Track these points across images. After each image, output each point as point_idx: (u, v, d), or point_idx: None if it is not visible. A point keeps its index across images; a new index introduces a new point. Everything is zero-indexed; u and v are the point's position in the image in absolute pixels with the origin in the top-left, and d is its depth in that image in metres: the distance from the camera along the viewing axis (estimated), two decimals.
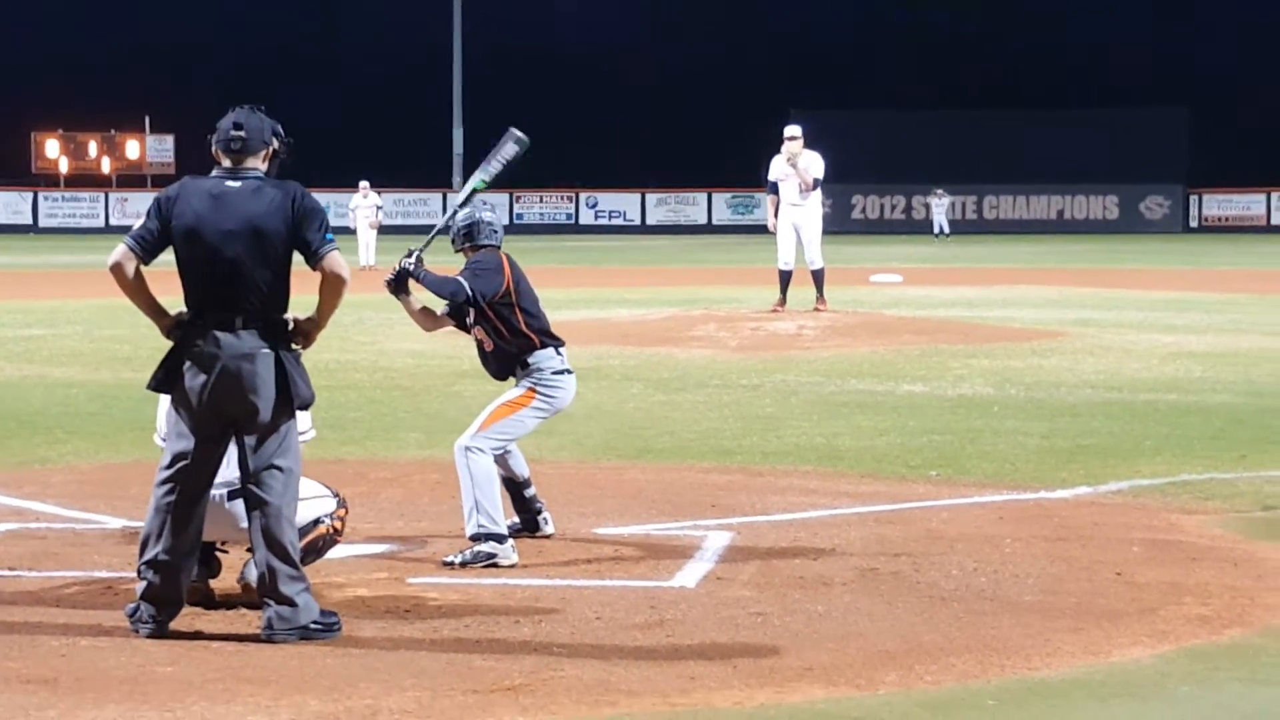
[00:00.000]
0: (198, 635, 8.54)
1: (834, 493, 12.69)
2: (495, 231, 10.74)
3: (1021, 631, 8.66)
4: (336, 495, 9.42)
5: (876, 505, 12.17)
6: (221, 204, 8.49)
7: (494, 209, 10.93)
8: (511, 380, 10.69)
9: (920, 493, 12.72)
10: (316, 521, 9.15)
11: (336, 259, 8.46)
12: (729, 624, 8.80)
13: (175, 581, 8.55)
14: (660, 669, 8.01)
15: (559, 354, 10.66)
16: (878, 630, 8.69)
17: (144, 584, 8.54)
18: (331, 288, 8.52)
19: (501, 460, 10.65)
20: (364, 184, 49.65)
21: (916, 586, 9.64)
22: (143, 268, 8.57)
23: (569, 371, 10.70)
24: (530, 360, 10.57)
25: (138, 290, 8.59)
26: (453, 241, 10.77)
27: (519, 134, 10.96)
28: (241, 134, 8.60)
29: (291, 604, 8.44)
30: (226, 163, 8.63)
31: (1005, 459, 14.23)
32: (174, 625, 8.58)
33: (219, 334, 8.44)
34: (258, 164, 8.64)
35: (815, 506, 12.10)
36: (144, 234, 8.55)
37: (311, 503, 9.08)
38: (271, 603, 8.46)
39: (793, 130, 26.99)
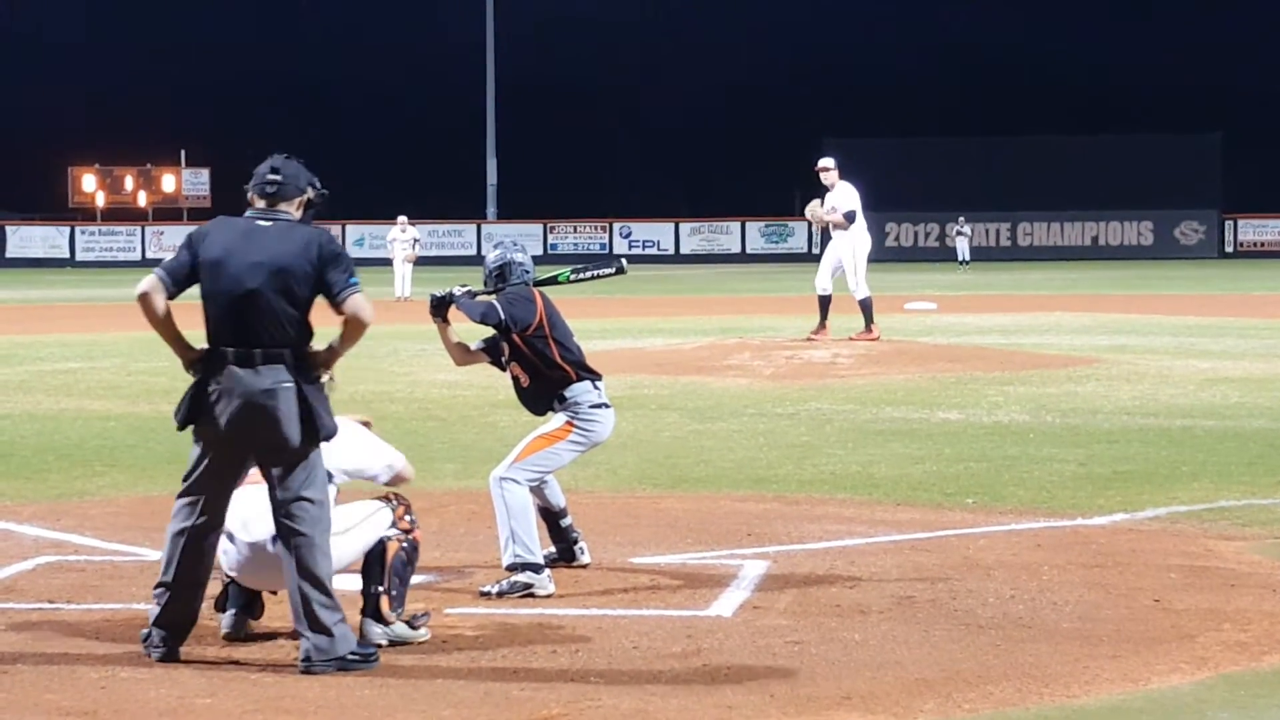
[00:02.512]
0: (235, 664, 8.56)
1: (870, 521, 12.67)
2: (527, 271, 10.77)
3: (1060, 659, 8.65)
4: (387, 500, 9.33)
5: (913, 533, 12.15)
6: (251, 239, 8.59)
7: (525, 250, 10.98)
8: (549, 414, 10.72)
9: (957, 520, 12.70)
10: (382, 543, 9.10)
11: (358, 301, 8.53)
12: (766, 653, 8.80)
13: (186, 605, 8.63)
14: (697, 698, 8.01)
15: (596, 388, 10.67)
16: (915, 658, 8.68)
17: (157, 608, 8.60)
18: (352, 329, 8.60)
19: (538, 490, 10.67)
20: (402, 218, 49.99)
21: (954, 614, 9.62)
22: (170, 302, 8.60)
23: (607, 405, 10.72)
24: (567, 394, 10.58)
25: (164, 322, 8.62)
26: (485, 283, 10.82)
27: (624, 261, 11.43)
28: (278, 178, 8.73)
29: (329, 634, 8.46)
30: (260, 204, 8.73)
31: (1042, 486, 14.20)
32: (211, 657, 8.62)
33: (238, 369, 8.47)
34: (291, 210, 8.76)
35: (851, 535, 12.09)
36: (174, 266, 8.63)
37: (366, 525, 9.04)
38: (309, 634, 8.48)
39: (824, 162, 26.75)
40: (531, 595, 10.10)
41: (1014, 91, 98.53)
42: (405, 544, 9.13)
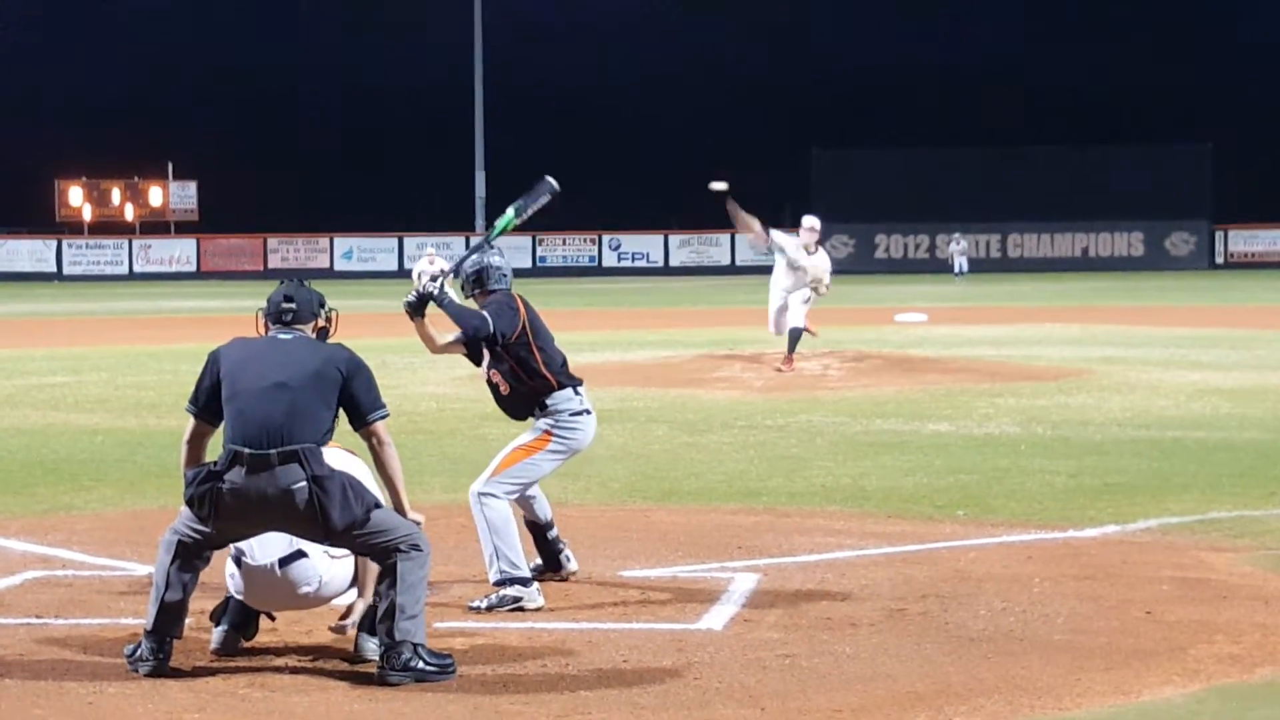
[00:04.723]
0: (223, 680, 8.52)
1: (861, 533, 12.65)
2: (505, 275, 10.70)
3: (1051, 671, 8.62)
4: None
5: (903, 546, 12.13)
6: (275, 346, 8.80)
7: (502, 253, 10.89)
8: (531, 420, 10.65)
9: (947, 533, 12.68)
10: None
11: (387, 427, 8.80)
12: (756, 666, 8.77)
13: (178, 613, 8.63)
14: (688, 712, 7.98)
15: (577, 394, 10.60)
16: (906, 671, 8.66)
17: (154, 604, 8.60)
18: (389, 451, 8.81)
19: (525, 503, 10.62)
20: (430, 250, 49.62)
21: (945, 627, 9.60)
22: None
23: (588, 412, 10.64)
24: (549, 402, 10.51)
25: (193, 455, 8.79)
26: (462, 288, 10.75)
27: (552, 181, 10.99)
28: (292, 305, 8.96)
29: (409, 646, 8.47)
30: (276, 328, 8.93)
31: (1033, 498, 14.18)
32: (200, 672, 8.58)
33: (252, 473, 8.48)
34: (306, 332, 8.97)
35: (842, 547, 12.06)
36: (195, 393, 8.84)
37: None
38: (387, 643, 8.50)
39: (810, 221, 26.30)
40: (521, 609, 10.06)
41: (1005, 103, 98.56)
42: None
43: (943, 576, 10.97)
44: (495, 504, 10.32)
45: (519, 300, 10.58)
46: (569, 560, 10.92)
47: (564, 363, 10.65)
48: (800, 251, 26.01)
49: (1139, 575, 10.96)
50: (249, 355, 8.75)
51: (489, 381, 10.65)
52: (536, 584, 10.25)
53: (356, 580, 9.07)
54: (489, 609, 10.06)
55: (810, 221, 26.37)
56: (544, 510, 10.80)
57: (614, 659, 8.93)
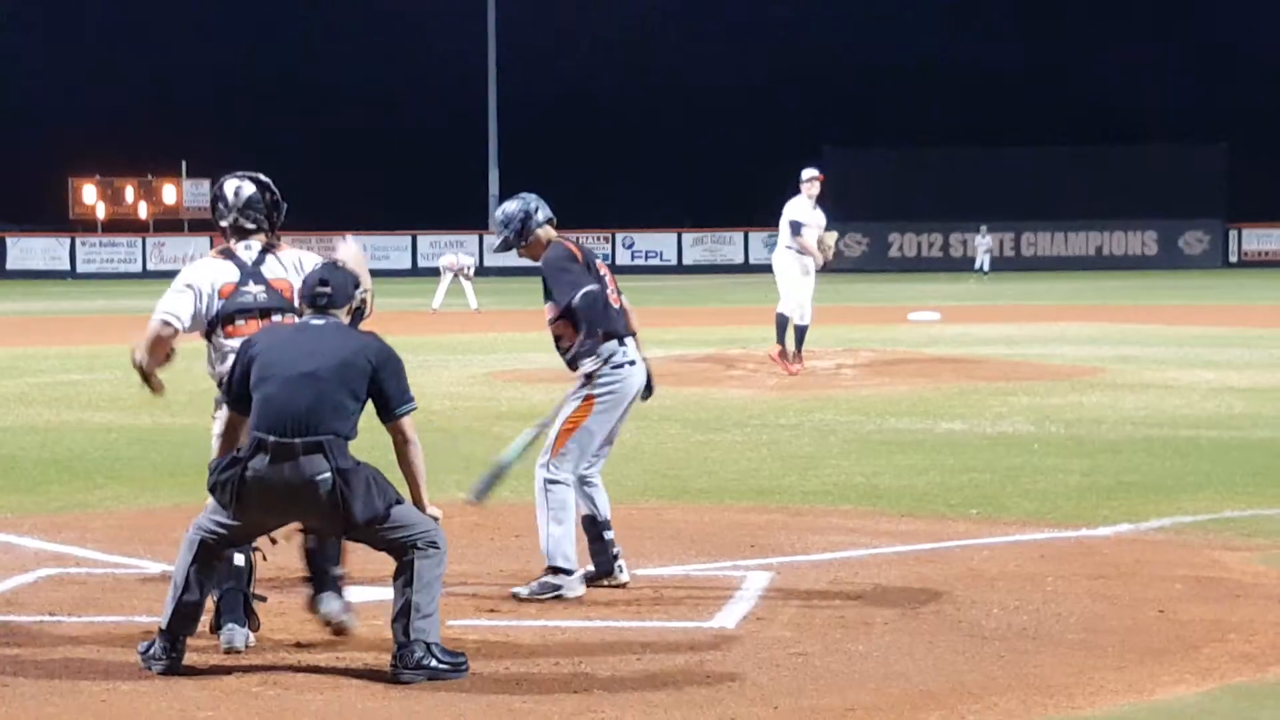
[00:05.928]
0: (237, 678, 8.53)
1: (874, 532, 12.64)
2: (549, 215, 10.58)
3: (1064, 670, 8.61)
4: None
5: (917, 544, 12.12)
6: (306, 333, 8.73)
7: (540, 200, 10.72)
8: (580, 368, 10.50)
9: (961, 531, 12.67)
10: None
11: (412, 423, 8.79)
12: (769, 665, 8.76)
13: (194, 613, 8.65)
14: (700, 710, 7.97)
15: (622, 344, 10.52)
16: (919, 670, 8.65)
17: (170, 604, 8.59)
18: (413, 448, 8.83)
19: (583, 494, 10.51)
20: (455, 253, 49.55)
21: (958, 625, 9.59)
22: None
23: (631, 363, 10.54)
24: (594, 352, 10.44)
25: (228, 447, 8.77)
26: (506, 240, 10.66)
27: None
28: (327, 290, 8.84)
29: (423, 645, 8.47)
30: (310, 312, 8.88)
31: (1046, 497, 14.17)
32: (213, 670, 8.59)
33: (276, 462, 8.45)
34: (341, 316, 8.90)
35: (855, 546, 12.06)
36: (226, 385, 8.87)
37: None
38: (403, 641, 8.49)
39: (811, 172, 25.49)
40: (560, 598, 10.12)
41: (1018, 101, 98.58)
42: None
43: (956, 575, 10.96)
44: (558, 489, 10.31)
45: (575, 251, 10.49)
46: (622, 570, 10.68)
47: (618, 314, 10.53)
48: (811, 212, 25.38)
49: (1152, 574, 10.95)
50: (279, 341, 8.70)
51: (553, 332, 10.52)
52: (580, 573, 10.25)
53: None
54: (530, 596, 10.11)
55: (810, 172, 25.22)
56: (603, 504, 10.64)
57: (627, 657, 8.93)
